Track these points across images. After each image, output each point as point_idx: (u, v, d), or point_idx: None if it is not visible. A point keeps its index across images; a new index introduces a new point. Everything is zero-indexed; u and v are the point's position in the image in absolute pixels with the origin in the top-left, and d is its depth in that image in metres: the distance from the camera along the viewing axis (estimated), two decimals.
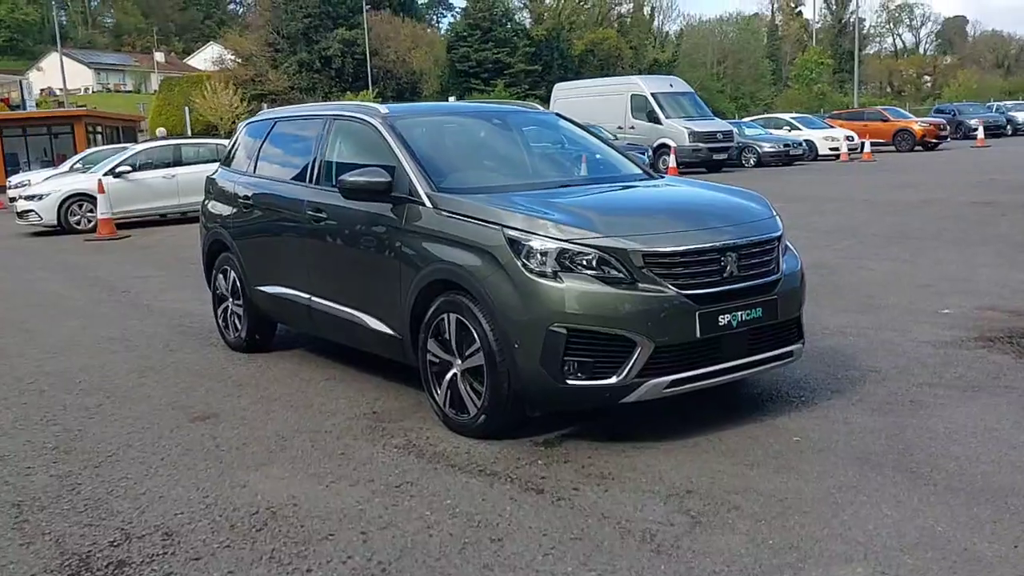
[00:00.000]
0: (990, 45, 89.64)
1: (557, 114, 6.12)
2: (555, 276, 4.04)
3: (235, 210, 6.37)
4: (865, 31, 78.18)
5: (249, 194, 6.20)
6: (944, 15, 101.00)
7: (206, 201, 6.90)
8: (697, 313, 4.06)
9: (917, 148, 31.36)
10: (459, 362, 4.40)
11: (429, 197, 4.64)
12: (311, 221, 5.43)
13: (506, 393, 4.18)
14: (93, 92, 79.07)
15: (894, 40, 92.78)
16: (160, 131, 27.39)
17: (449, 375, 4.46)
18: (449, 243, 4.43)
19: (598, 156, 5.74)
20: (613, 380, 4.01)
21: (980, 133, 32.84)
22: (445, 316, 4.43)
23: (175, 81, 57.45)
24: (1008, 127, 39.32)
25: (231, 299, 6.49)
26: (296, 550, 3.33)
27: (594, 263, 4.05)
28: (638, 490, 3.71)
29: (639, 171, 5.54)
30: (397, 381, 5.38)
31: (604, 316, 3.98)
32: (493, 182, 4.98)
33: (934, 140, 31.73)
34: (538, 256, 4.08)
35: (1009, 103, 45.27)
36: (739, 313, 4.20)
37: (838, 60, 70.55)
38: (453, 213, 4.48)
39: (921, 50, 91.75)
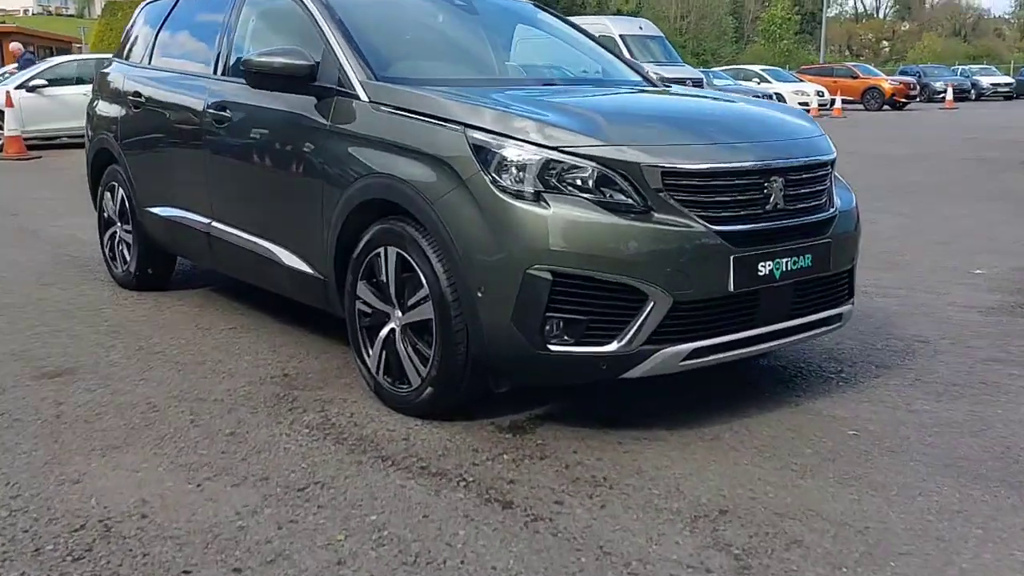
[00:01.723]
0: (947, 13, 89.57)
1: (536, 4, 4.86)
2: (537, 198, 2.84)
3: (124, 111, 5.03)
4: None
5: (140, 90, 4.87)
6: None
7: (94, 101, 5.52)
8: (732, 258, 2.92)
9: (885, 107, 30.77)
10: (399, 314, 3.21)
11: (365, 87, 3.40)
12: (213, 123, 4.15)
13: (462, 359, 3.00)
14: (33, 14, 75.17)
15: (855, 4, 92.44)
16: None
17: (385, 331, 3.26)
18: (389, 149, 3.21)
19: (590, 56, 4.51)
20: (613, 347, 2.85)
21: (949, 95, 32.20)
22: (381, 251, 3.23)
23: (119, 5, 54.45)
24: (972, 92, 38.72)
25: (119, 223, 5.18)
26: None
27: (592, 182, 2.86)
28: (649, 507, 2.58)
29: (640, 79, 4.35)
30: (322, 334, 4.20)
31: (604, 257, 2.80)
32: (454, 75, 3.75)
33: (903, 100, 31.14)
34: (514, 170, 2.88)
35: (975, 67, 44.61)
36: (784, 260, 3.06)
37: (800, 21, 69.64)
38: (396, 108, 3.25)
39: (880, 15, 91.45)
